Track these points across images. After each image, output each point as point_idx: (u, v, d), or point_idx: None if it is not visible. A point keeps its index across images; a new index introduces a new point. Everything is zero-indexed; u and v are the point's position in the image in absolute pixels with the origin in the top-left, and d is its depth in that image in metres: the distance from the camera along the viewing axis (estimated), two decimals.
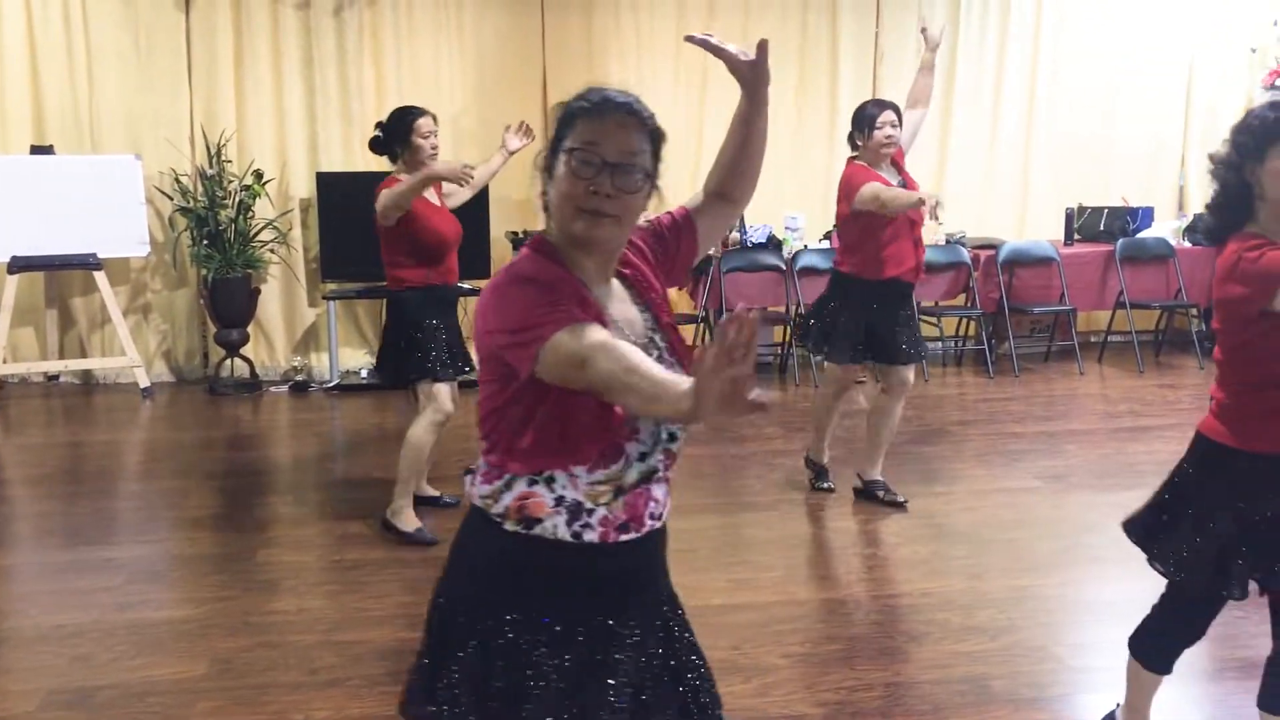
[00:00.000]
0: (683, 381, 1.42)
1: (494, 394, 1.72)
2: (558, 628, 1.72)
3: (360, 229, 6.94)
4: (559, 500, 1.69)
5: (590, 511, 1.70)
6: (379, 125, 4.43)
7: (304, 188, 7.34)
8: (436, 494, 4.78)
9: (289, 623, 3.65)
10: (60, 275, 7.05)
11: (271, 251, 7.21)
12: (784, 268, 7.28)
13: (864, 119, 4.62)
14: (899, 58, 7.84)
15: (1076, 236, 7.92)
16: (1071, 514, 4.75)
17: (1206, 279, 7.77)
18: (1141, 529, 2.78)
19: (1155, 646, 2.79)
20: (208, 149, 7.04)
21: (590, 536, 1.71)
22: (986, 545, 4.35)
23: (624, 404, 1.56)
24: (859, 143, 4.65)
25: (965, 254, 7.47)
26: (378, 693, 3.18)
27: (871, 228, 4.59)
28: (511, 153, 4.80)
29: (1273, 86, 7.86)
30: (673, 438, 1.75)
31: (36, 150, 6.86)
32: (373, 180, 7.26)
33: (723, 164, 1.95)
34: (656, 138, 1.78)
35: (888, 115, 4.57)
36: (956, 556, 4.26)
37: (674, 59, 7.60)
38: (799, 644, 3.50)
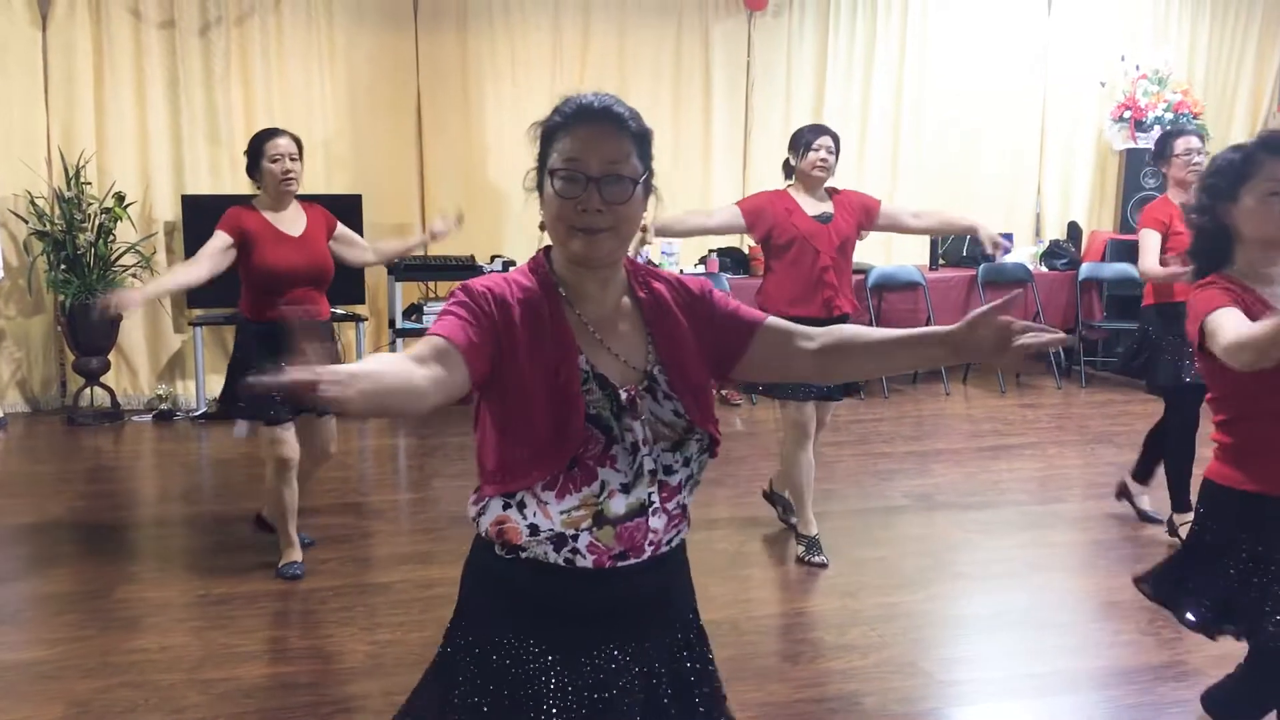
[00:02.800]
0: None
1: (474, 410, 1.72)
2: (552, 656, 1.67)
3: None
4: (533, 530, 1.65)
5: (573, 538, 1.65)
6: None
7: (169, 210, 7.13)
8: (296, 559, 4.36)
9: (151, 661, 3.52)
10: None
11: (134, 276, 6.97)
12: None
13: (800, 141, 4.46)
14: (769, 85, 8.01)
15: (941, 261, 8.18)
16: (939, 531, 4.89)
17: (1062, 303, 8.12)
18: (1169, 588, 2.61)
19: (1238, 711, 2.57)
20: (65, 170, 6.78)
21: (584, 563, 1.66)
22: (858, 564, 4.44)
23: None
24: (793, 163, 4.48)
25: None
26: None
27: (770, 263, 4.51)
28: (433, 237, 4.46)
29: (1120, 119, 8.26)
30: (668, 470, 1.68)
31: None
32: (241, 204, 7.13)
33: (851, 345, 1.80)
34: (642, 138, 1.71)
35: (824, 140, 4.42)
36: (829, 575, 4.34)
37: (549, 81, 7.61)
38: None
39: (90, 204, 6.79)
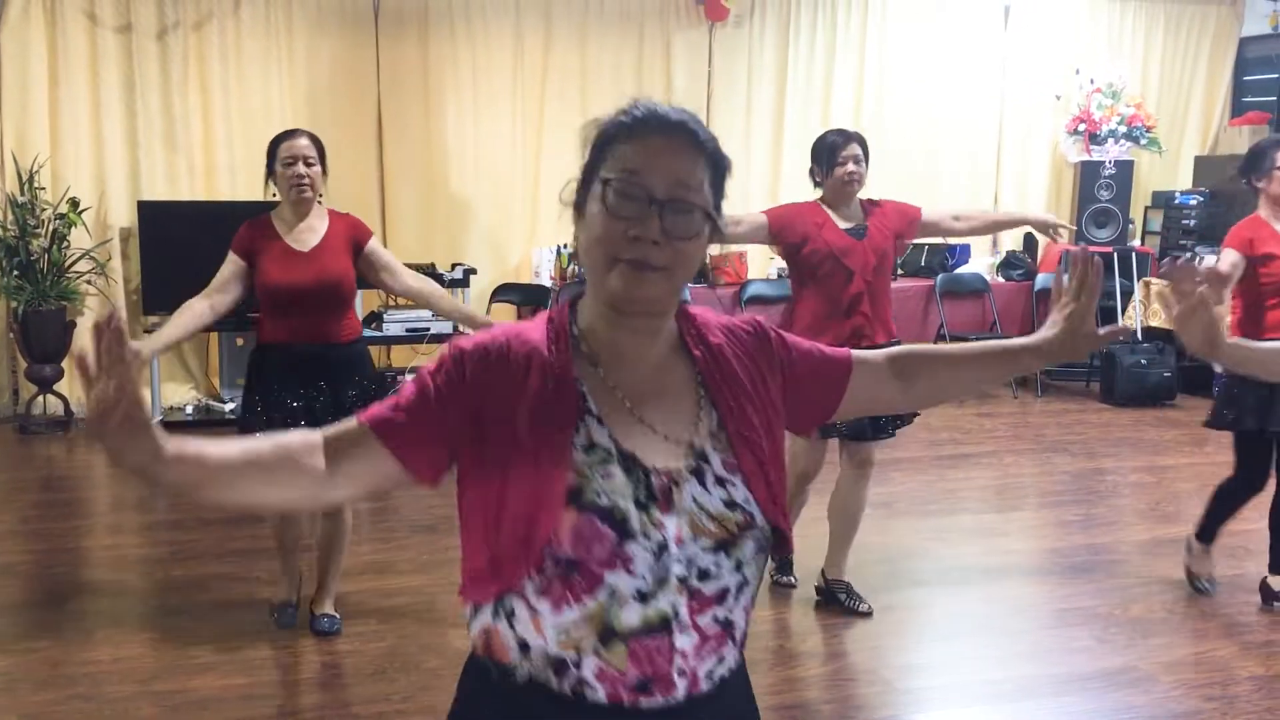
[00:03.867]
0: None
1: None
2: None
3: (185, 260, 6.74)
4: (524, 648, 1.31)
5: (578, 663, 1.29)
6: None
7: (124, 216, 7.04)
8: (292, 600, 3.95)
9: (104, 673, 3.48)
10: None
11: (88, 283, 6.88)
12: None
13: (824, 150, 4.00)
14: (730, 99, 8.04)
15: (900, 272, 8.25)
16: (897, 539, 4.92)
17: (1019, 313, 8.21)
18: None
19: None
20: (19, 175, 6.68)
21: (596, 697, 1.29)
22: (817, 572, 4.46)
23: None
24: (818, 179, 4.04)
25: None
26: None
27: (797, 284, 4.09)
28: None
29: (1075, 131, 8.38)
30: (704, 575, 1.32)
31: None
32: (198, 210, 7.05)
33: (932, 361, 1.62)
34: (719, 166, 1.39)
35: (852, 149, 3.96)
36: (788, 584, 4.36)
37: (511, 91, 7.61)
38: None
39: (44, 209, 6.70)
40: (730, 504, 1.34)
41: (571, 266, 7.40)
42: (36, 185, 6.68)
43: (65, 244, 6.71)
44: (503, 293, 7.49)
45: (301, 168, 3.58)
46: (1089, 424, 7.19)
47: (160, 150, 7.06)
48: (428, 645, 3.69)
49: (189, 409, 7.06)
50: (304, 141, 3.62)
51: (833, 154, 3.96)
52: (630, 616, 1.28)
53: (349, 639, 3.75)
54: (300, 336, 3.66)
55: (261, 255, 3.63)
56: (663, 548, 1.30)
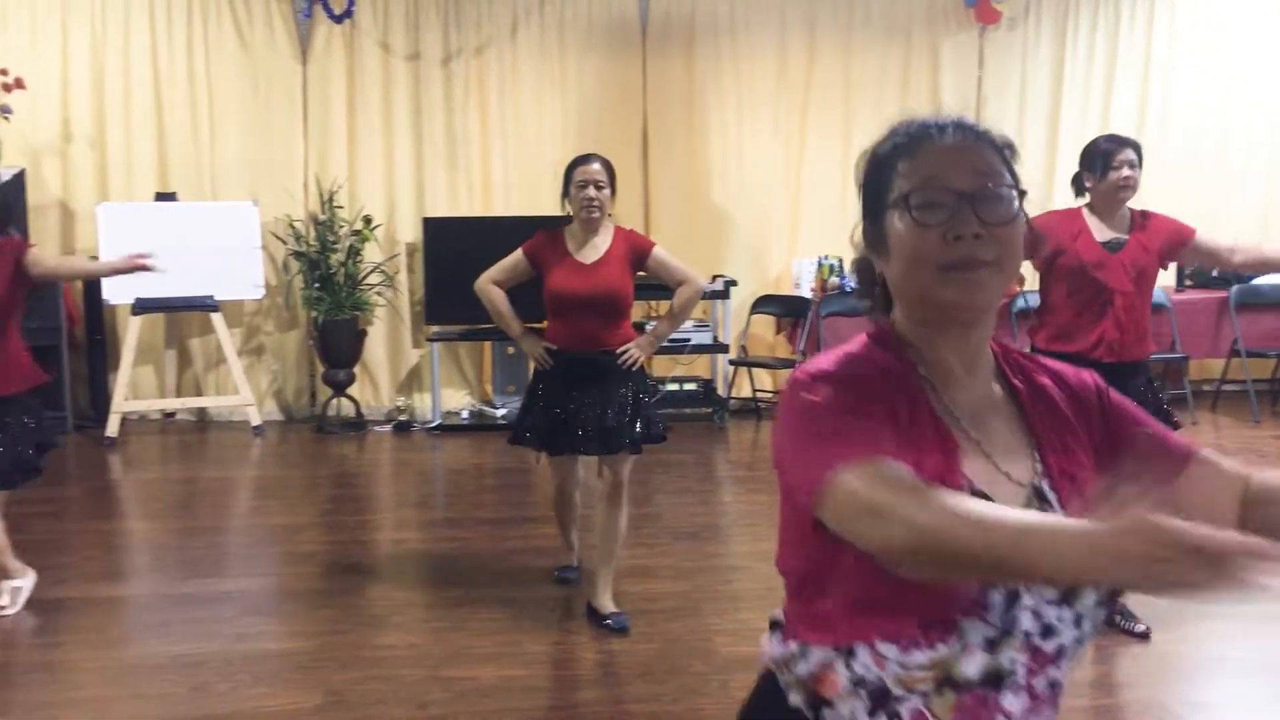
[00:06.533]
0: (1078, 524, 0.98)
1: (791, 539, 1.33)
2: None
3: (464, 273, 7.12)
4: (857, 682, 1.26)
5: (898, 700, 1.23)
6: None
7: (410, 232, 7.53)
8: (571, 564, 4.51)
9: (398, 657, 3.72)
10: (179, 316, 7.32)
11: (378, 294, 7.40)
12: None
13: (1096, 155, 3.92)
14: (1001, 104, 7.77)
15: (1187, 283, 7.74)
16: None
17: None
18: None
19: None
20: (320, 195, 7.27)
21: None
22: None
23: (968, 573, 1.12)
24: (1088, 184, 3.96)
25: None
26: None
27: (1046, 292, 4.04)
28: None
29: None
30: (1048, 631, 1.22)
31: (161, 197, 7.15)
32: (476, 225, 7.44)
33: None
34: (1009, 151, 1.33)
35: (1126, 154, 3.87)
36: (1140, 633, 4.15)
37: (773, 106, 7.64)
38: None
39: (341, 226, 7.26)
40: None
41: (833, 278, 7.36)
42: (335, 204, 7.25)
43: (359, 258, 7.25)
44: (763, 304, 7.52)
45: (592, 191, 3.89)
46: None
47: (443, 170, 7.51)
48: (693, 650, 3.75)
49: (464, 414, 7.46)
50: (596, 166, 3.94)
51: (1107, 159, 3.89)
52: (971, 668, 1.22)
53: (619, 639, 3.85)
54: (576, 343, 4.02)
55: (550, 265, 3.98)
56: (1015, 595, 1.22)
